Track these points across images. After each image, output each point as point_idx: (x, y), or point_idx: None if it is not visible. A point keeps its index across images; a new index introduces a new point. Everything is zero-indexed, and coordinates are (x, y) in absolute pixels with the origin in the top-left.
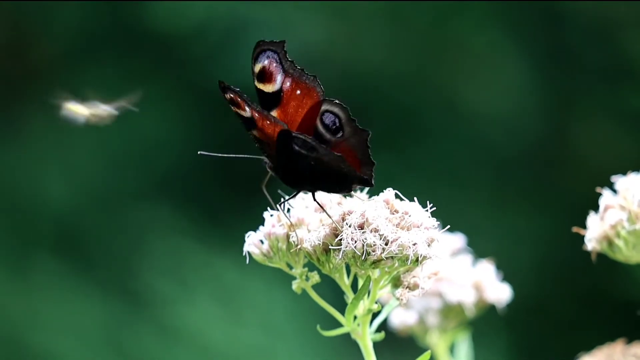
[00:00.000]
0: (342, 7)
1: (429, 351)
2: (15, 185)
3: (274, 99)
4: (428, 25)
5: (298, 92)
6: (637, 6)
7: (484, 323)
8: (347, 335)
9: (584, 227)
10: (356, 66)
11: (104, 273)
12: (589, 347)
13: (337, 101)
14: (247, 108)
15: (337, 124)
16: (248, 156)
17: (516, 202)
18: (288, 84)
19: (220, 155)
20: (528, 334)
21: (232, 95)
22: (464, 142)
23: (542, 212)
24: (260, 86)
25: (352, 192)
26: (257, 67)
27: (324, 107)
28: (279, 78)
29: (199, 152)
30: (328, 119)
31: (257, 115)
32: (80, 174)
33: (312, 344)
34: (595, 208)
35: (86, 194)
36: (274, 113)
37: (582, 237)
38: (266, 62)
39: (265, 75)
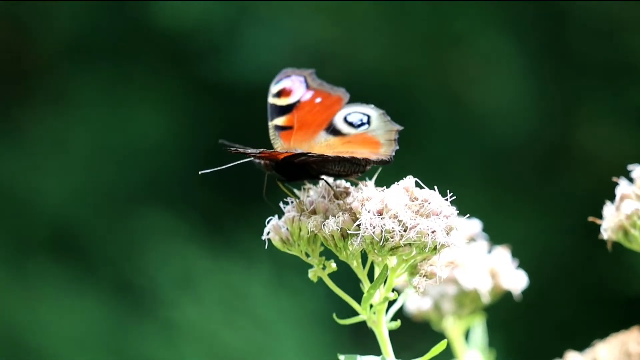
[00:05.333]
0: (343, 6)
1: (445, 340)
2: (12, 187)
3: (287, 109)
4: (429, 23)
5: (318, 99)
6: (638, 6)
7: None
8: (345, 334)
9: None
10: (357, 64)
11: (103, 275)
12: (589, 344)
13: (370, 106)
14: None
15: (365, 121)
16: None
17: (517, 201)
18: (309, 95)
19: (219, 168)
20: (527, 332)
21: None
22: (464, 141)
23: (542, 211)
24: (275, 101)
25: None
26: (276, 89)
27: (349, 109)
28: (298, 93)
29: (200, 172)
30: (354, 117)
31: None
32: (79, 177)
33: (311, 343)
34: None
35: (85, 196)
36: (284, 118)
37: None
38: (288, 84)
39: (283, 93)
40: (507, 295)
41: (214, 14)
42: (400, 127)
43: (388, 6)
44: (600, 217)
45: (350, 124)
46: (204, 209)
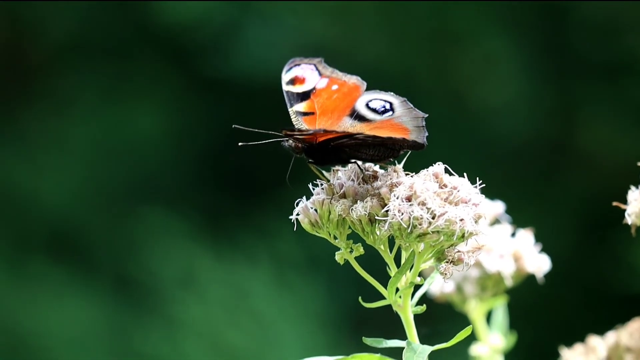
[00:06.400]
0: (345, 5)
1: (471, 327)
2: (12, 186)
3: (304, 96)
4: (430, 22)
5: (335, 86)
6: (638, 6)
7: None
8: (346, 333)
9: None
10: (358, 63)
11: (104, 275)
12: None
13: (390, 93)
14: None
15: (388, 108)
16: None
17: (517, 200)
18: (324, 83)
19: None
20: (528, 331)
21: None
22: (465, 140)
23: (543, 209)
24: (290, 88)
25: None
26: (288, 77)
27: (371, 95)
28: (312, 80)
29: (240, 144)
30: (377, 104)
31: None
32: (80, 176)
33: (311, 342)
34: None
35: (86, 195)
36: (304, 104)
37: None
38: (300, 72)
39: (296, 81)
40: (508, 293)
41: (215, 11)
42: (425, 115)
43: (389, 5)
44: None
45: (374, 111)
46: (206, 208)
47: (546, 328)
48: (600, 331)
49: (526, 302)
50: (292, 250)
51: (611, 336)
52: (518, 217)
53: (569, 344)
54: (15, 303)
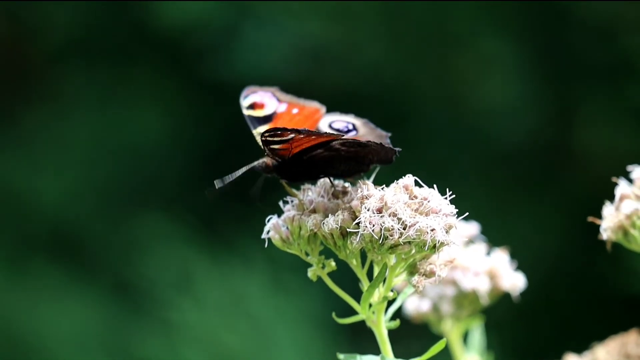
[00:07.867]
0: (343, 7)
1: (444, 339)
2: (11, 187)
3: (266, 119)
4: (429, 24)
5: (295, 110)
6: (638, 6)
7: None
8: (343, 335)
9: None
10: (356, 64)
11: (102, 276)
12: (589, 345)
13: (351, 115)
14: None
15: (352, 128)
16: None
17: (516, 201)
18: (284, 107)
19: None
20: (525, 333)
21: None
22: (464, 141)
23: (542, 211)
24: (250, 112)
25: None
26: (247, 102)
27: (333, 117)
28: (271, 106)
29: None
30: (340, 124)
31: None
32: (79, 177)
33: (309, 344)
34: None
35: (84, 196)
36: (266, 126)
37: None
38: (258, 98)
39: (255, 106)
40: (506, 296)
41: (214, 14)
42: (388, 133)
43: (388, 7)
44: (600, 217)
45: (338, 131)
46: (203, 211)
47: (543, 330)
48: (598, 333)
49: (524, 304)
50: (288, 253)
51: (588, 355)
52: (517, 218)
53: (566, 346)
54: (14, 303)
